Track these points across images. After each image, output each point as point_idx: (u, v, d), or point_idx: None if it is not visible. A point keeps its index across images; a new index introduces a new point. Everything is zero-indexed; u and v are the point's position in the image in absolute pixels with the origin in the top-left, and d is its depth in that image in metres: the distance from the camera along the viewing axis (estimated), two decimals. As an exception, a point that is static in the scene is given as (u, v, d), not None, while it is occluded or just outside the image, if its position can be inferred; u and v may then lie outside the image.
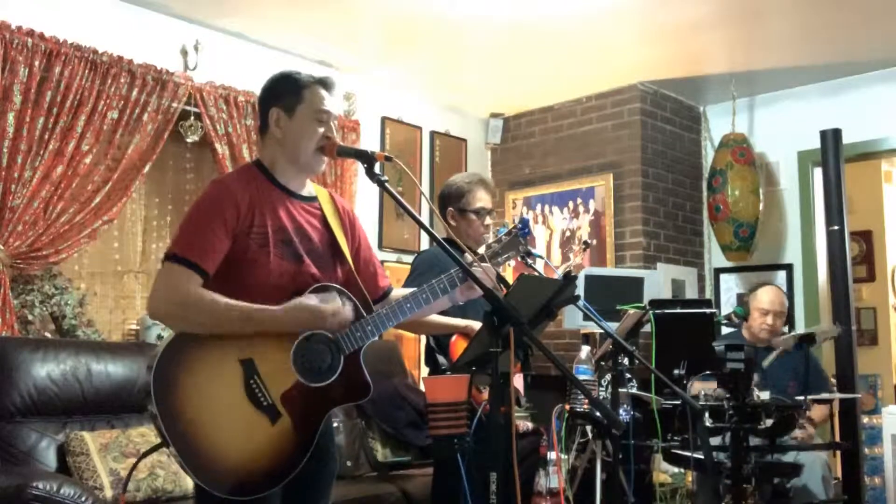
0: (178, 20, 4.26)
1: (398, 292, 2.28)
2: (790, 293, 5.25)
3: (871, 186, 6.38)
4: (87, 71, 3.75)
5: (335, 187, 4.76)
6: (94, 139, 3.77)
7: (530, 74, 5.15)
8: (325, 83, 2.11)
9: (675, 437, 3.39)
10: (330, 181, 4.74)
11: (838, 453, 4.46)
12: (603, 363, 3.43)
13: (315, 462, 1.99)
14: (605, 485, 3.37)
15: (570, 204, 5.55)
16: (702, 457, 3.10)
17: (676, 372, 3.29)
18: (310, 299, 1.95)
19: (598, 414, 3.08)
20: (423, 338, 3.50)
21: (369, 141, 5.12)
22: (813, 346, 3.69)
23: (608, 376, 3.32)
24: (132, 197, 4.09)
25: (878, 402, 5.96)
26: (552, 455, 3.91)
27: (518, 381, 2.90)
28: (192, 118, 4.22)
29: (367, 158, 2.02)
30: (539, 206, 5.71)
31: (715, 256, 5.63)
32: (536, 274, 2.63)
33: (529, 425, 3.92)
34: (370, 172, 2.02)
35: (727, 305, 5.51)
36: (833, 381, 4.31)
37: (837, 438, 4.15)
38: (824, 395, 3.85)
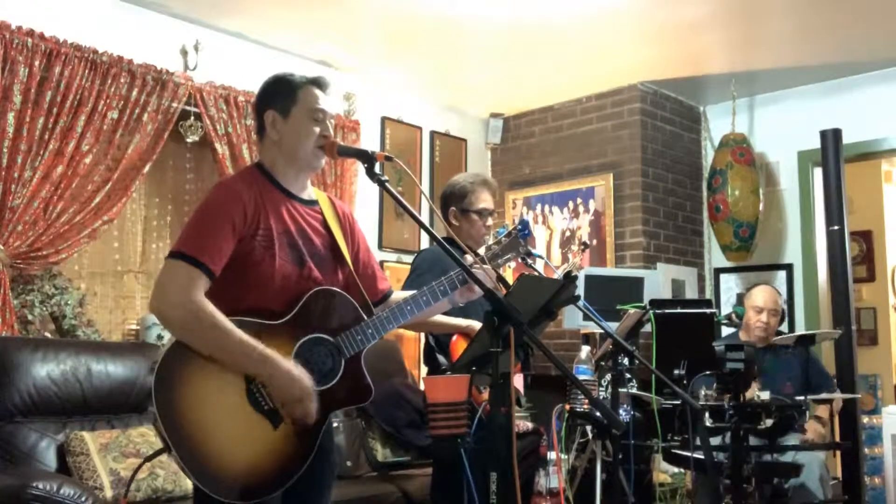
0: (178, 20, 4.26)
1: (398, 294, 2.28)
2: (790, 293, 5.25)
3: (871, 186, 6.38)
4: (87, 71, 3.75)
5: (335, 187, 4.76)
6: (94, 139, 3.77)
7: (530, 74, 5.15)
8: (318, 83, 2.11)
9: (675, 437, 3.39)
10: (330, 181, 4.74)
11: (838, 453, 4.47)
12: (603, 363, 3.43)
13: (315, 462, 1.99)
14: (605, 485, 3.37)
15: (570, 204, 5.55)
16: (702, 457, 3.10)
17: (676, 372, 3.29)
18: (298, 372, 1.90)
19: (598, 414, 3.07)
20: (423, 337, 3.51)
21: (369, 141, 5.12)
22: (812, 346, 3.70)
23: (608, 376, 3.32)
24: (132, 197, 4.09)
25: (878, 402, 5.97)
26: (552, 455, 3.91)
27: (518, 381, 2.90)
28: (192, 118, 4.22)
29: (367, 158, 2.01)
30: (539, 206, 5.71)
31: (715, 256, 5.63)
32: (536, 274, 2.63)
33: (529, 425, 3.92)
34: (370, 172, 2.01)
35: (727, 305, 5.51)
36: (834, 380, 4.31)
37: (837, 438, 4.16)
38: (824, 395, 3.85)
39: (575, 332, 4.94)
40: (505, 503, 1.77)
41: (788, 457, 3.63)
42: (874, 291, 6.55)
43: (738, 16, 4.27)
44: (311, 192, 2.17)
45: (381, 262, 5.00)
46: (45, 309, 3.72)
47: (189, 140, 4.25)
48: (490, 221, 3.14)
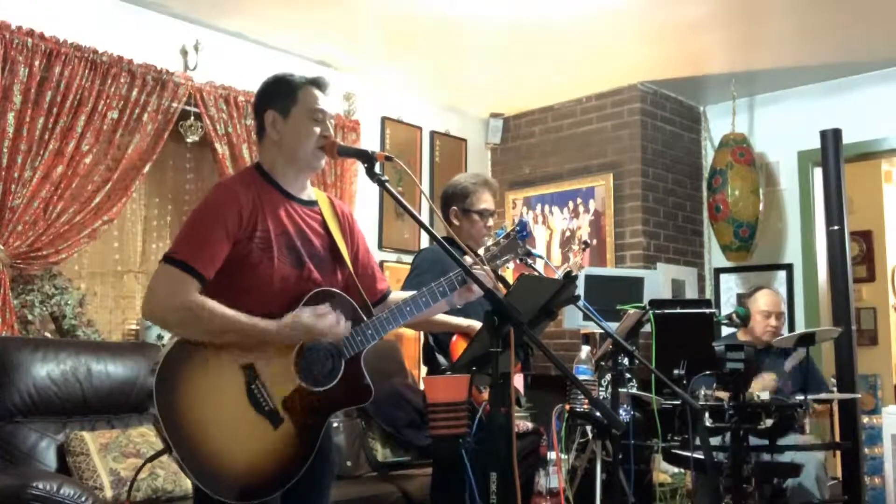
0: (178, 20, 4.26)
1: (397, 295, 2.28)
2: (790, 293, 5.25)
3: (871, 186, 6.38)
4: (87, 71, 3.75)
5: (335, 187, 4.76)
6: (94, 139, 3.77)
7: (530, 74, 5.15)
8: (317, 83, 2.11)
9: (675, 437, 3.39)
10: (330, 181, 4.74)
11: (838, 453, 4.47)
12: (603, 363, 3.43)
13: (315, 463, 1.99)
14: (605, 485, 3.37)
15: (570, 204, 5.55)
16: (702, 457, 3.10)
17: (676, 372, 3.28)
18: (304, 313, 1.93)
19: (598, 414, 3.08)
20: (423, 337, 3.51)
21: (369, 141, 5.12)
22: (812, 345, 3.70)
23: (608, 376, 3.32)
24: (132, 197, 4.09)
25: (878, 402, 5.97)
26: (552, 455, 3.91)
27: (518, 381, 2.90)
28: (192, 118, 4.22)
29: (367, 158, 2.02)
30: (539, 206, 5.71)
31: (715, 256, 5.63)
32: (536, 274, 2.63)
33: (529, 425, 3.92)
34: (370, 172, 2.01)
35: (727, 305, 5.51)
36: (833, 380, 4.31)
37: (837, 438, 4.15)
38: (823, 395, 3.85)
39: (575, 332, 4.94)
40: (505, 503, 1.77)
41: (787, 457, 3.63)
42: (874, 291, 6.55)
43: (738, 16, 4.27)
44: (310, 192, 2.17)
45: (381, 263, 5.00)
46: (45, 309, 3.73)
47: (189, 140, 4.25)
48: (491, 222, 3.15)
